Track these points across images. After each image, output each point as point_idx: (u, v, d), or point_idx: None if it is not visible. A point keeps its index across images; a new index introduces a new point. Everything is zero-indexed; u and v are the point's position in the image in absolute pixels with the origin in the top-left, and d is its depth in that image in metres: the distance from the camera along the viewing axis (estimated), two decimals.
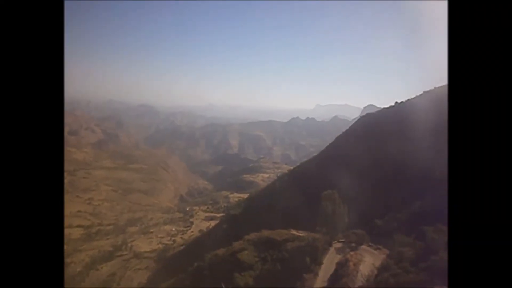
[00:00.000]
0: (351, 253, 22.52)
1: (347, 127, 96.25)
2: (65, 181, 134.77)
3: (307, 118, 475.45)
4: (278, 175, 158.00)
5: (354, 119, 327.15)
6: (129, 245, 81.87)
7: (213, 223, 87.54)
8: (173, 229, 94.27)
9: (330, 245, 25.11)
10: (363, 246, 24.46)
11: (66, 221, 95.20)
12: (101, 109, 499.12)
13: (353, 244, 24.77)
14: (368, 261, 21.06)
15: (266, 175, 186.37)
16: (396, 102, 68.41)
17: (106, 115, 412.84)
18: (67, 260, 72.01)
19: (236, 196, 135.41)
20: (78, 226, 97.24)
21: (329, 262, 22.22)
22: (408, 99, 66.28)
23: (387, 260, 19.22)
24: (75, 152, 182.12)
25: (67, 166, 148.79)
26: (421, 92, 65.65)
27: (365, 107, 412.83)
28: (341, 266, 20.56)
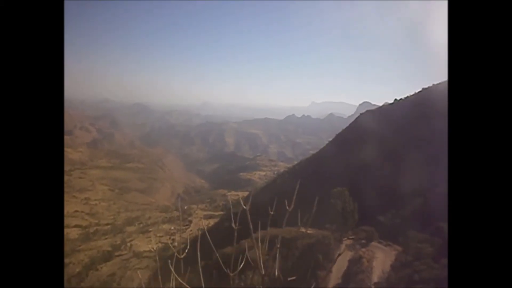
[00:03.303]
0: (363, 250, 22.54)
1: (343, 124, 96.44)
2: None
3: (303, 115, 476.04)
4: (275, 172, 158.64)
5: (349, 116, 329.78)
6: (128, 244, 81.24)
7: (212, 221, 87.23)
8: (172, 228, 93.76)
9: (341, 242, 25.11)
10: (373, 243, 24.49)
11: (64, 221, 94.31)
12: (95, 108, 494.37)
13: (363, 241, 24.78)
14: (382, 257, 21.04)
15: (262, 173, 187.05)
16: (396, 99, 68.71)
17: (100, 114, 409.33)
18: (66, 260, 71.29)
19: (233, 194, 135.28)
20: (76, 226, 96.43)
21: (341, 259, 22.17)
22: (407, 96, 66.62)
23: (405, 257, 19.21)
24: (70, 152, 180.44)
25: None
26: (420, 89, 66.03)
27: (360, 104, 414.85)
28: (354, 263, 20.53)
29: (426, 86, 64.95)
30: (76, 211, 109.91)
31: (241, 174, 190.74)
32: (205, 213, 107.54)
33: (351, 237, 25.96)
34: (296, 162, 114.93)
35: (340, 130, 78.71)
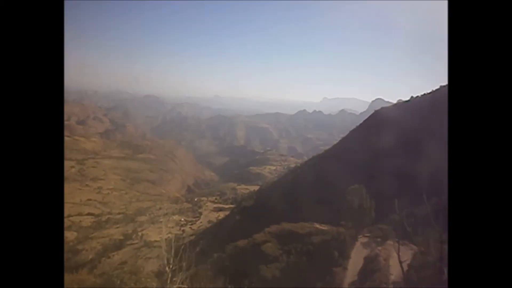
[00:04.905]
0: (379, 248, 22.25)
1: (355, 121, 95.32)
2: (75, 169, 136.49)
3: (314, 111, 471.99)
4: (285, 167, 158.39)
5: (362, 113, 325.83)
6: (139, 234, 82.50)
7: (222, 214, 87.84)
8: (182, 219, 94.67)
9: (356, 239, 24.87)
10: (389, 241, 24.16)
11: (77, 209, 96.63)
12: (108, 99, 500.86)
13: (379, 239, 24.49)
14: (398, 256, 20.66)
15: (273, 168, 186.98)
16: (412, 97, 67.50)
17: (113, 105, 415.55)
18: (79, 247, 73.04)
19: (243, 188, 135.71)
20: (89, 214, 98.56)
21: (356, 256, 21.96)
22: (425, 94, 65.31)
23: (425, 257, 18.80)
24: (83, 141, 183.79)
25: (76, 155, 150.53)
26: (438, 87, 64.53)
27: (373, 101, 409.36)
28: (371, 261, 20.30)
29: (444, 84, 63.45)
30: (89, 199, 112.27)
31: (251, 168, 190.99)
32: (215, 205, 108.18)
33: (366, 234, 25.72)
34: (306, 158, 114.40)
35: (353, 127, 77.91)
